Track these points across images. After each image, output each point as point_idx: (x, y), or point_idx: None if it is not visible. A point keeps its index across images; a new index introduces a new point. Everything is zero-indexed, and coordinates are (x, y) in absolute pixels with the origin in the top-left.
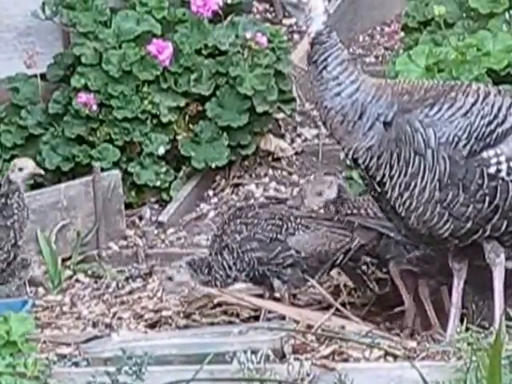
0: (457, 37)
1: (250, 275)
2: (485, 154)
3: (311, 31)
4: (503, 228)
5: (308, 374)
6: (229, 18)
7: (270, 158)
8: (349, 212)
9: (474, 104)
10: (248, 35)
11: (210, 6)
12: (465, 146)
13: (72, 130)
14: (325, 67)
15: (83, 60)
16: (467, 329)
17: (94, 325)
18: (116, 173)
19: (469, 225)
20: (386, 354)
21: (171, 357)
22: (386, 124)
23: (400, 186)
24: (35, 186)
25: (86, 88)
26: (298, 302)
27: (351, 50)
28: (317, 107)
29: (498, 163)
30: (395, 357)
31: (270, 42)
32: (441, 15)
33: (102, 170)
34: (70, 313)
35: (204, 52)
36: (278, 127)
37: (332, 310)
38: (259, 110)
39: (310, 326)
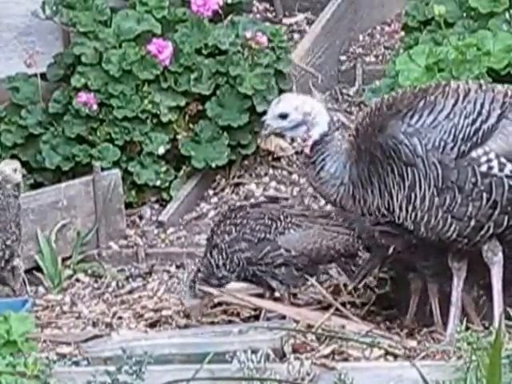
0: (457, 36)
1: (241, 276)
2: (474, 154)
3: (314, 134)
4: (505, 223)
5: (308, 374)
6: (229, 18)
7: (270, 158)
8: None
9: (454, 104)
10: (248, 35)
11: (210, 6)
12: (452, 148)
13: (72, 130)
14: (322, 167)
15: (83, 59)
16: (467, 328)
17: (94, 324)
18: (116, 172)
19: (472, 223)
20: (386, 353)
21: (171, 356)
22: (370, 162)
23: (402, 202)
24: (35, 185)
25: (86, 87)
26: (297, 301)
27: (351, 49)
28: (313, 186)
29: (489, 161)
30: (395, 356)
31: (270, 41)
32: (441, 15)
33: (102, 169)
34: (70, 312)
35: (204, 51)
36: None
37: (332, 309)
38: (259, 109)
39: (309, 326)
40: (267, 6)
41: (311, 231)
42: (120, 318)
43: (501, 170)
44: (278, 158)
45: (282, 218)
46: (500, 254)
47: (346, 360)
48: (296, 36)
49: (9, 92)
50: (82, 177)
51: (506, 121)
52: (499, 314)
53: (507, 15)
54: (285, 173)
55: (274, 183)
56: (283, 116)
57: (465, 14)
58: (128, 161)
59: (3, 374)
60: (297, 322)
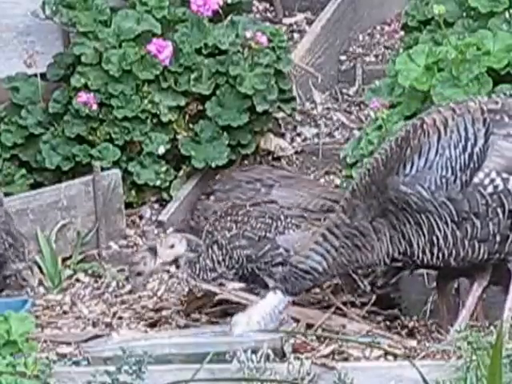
0: (457, 36)
1: (239, 273)
2: (476, 180)
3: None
4: None
5: (308, 373)
6: (229, 18)
7: (270, 158)
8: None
9: (439, 139)
10: (248, 34)
11: (210, 6)
12: (455, 181)
13: (72, 130)
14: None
15: (83, 59)
16: (467, 327)
17: (94, 324)
18: (116, 172)
19: (498, 239)
20: (386, 353)
21: (171, 356)
22: (379, 216)
23: (426, 247)
24: (35, 185)
25: (86, 87)
26: (297, 301)
27: (351, 49)
28: None
29: (492, 181)
30: (395, 356)
31: (270, 41)
32: (441, 14)
33: (102, 169)
34: (70, 312)
35: (204, 51)
36: (278, 126)
37: (332, 309)
38: (259, 109)
39: (310, 325)
40: (267, 5)
41: (310, 232)
42: (120, 318)
43: (505, 184)
44: (278, 158)
45: (282, 217)
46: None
47: (346, 360)
48: (296, 36)
49: (9, 92)
50: (82, 177)
51: (493, 137)
52: (507, 317)
53: (507, 15)
54: None
55: None
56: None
57: (465, 14)
58: (128, 161)
59: (3, 373)
60: (297, 321)
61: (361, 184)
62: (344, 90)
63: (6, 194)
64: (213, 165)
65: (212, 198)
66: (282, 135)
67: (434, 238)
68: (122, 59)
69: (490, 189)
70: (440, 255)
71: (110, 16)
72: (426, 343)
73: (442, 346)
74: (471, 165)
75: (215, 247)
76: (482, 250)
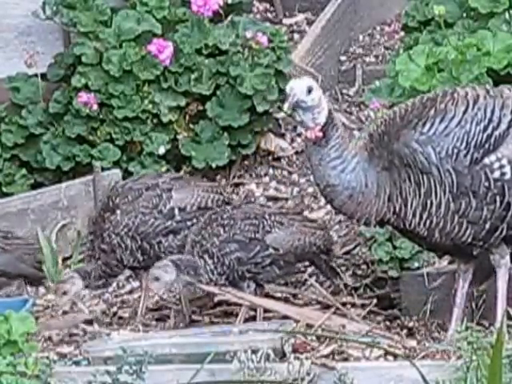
0: (457, 36)
1: (230, 278)
2: (487, 161)
3: (321, 119)
4: None
5: (308, 373)
6: (229, 18)
7: (270, 158)
8: None
9: (465, 111)
10: (248, 35)
11: (210, 6)
12: (465, 155)
13: (72, 130)
14: (330, 148)
15: (84, 59)
16: (467, 328)
17: (95, 324)
18: (116, 172)
19: (487, 226)
20: (386, 353)
21: (171, 356)
22: (385, 169)
23: (417, 208)
24: (35, 185)
25: (86, 87)
26: (298, 301)
27: (351, 49)
28: (320, 188)
29: (501, 167)
30: (395, 356)
31: (270, 41)
32: (441, 15)
33: (103, 169)
34: (70, 312)
35: (204, 51)
36: (278, 127)
37: (332, 309)
38: (259, 109)
39: (310, 326)
40: (267, 6)
41: (293, 228)
42: (120, 317)
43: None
44: (278, 158)
45: (266, 216)
46: (507, 258)
47: (346, 360)
48: (296, 36)
49: (9, 92)
50: (82, 177)
51: None
52: (502, 315)
53: (507, 15)
54: (285, 173)
55: (274, 183)
56: (309, 90)
57: (465, 14)
58: (128, 161)
59: (4, 373)
60: (297, 322)
61: (376, 132)
62: (344, 91)
63: (7, 194)
64: (213, 165)
65: (118, 212)
66: (282, 135)
67: (428, 202)
68: (122, 59)
69: (496, 174)
70: (428, 222)
71: (110, 16)
72: (426, 343)
73: (442, 346)
74: (486, 145)
75: (206, 257)
76: (467, 232)
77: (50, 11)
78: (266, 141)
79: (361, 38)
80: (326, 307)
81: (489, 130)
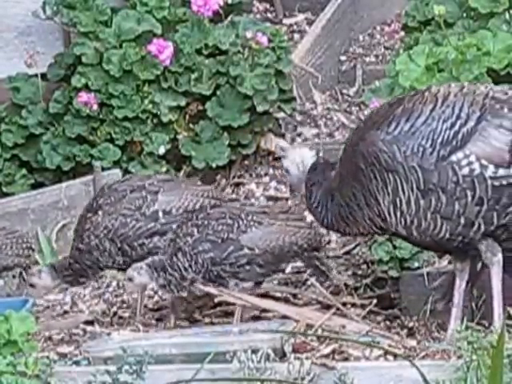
0: (457, 36)
1: (207, 277)
2: (454, 158)
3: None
4: (495, 220)
5: (308, 373)
6: (229, 18)
7: (270, 158)
8: None
9: (433, 109)
10: (248, 35)
11: (210, 6)
12: (431, 153)
13: (73, 130)
14: (310, 196)
15: (84, 60)
16: (467, 327)
17: (95, 324)
18: (116, 172)
19: (462, 221)
20: (386, 353)
21: (172, 356)
22: (353, 175)
23: (390, 207)
24: (36, 185)
25: (86, 87)
26: (298, 301)
27: (351, 49)
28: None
29: (470, 163)
30: (395, 356)
31: (270, 41)
32: (441, 15)
33: (103, 169)
34: (70, 312)
35: (204, 51)
36: (278, 126)
37: (332, 309)
38: (259, 109)
39: (310, 326)
40: (267, 6)
41: (273, 228)
42: (120, 317)
43: (482, 171)
44: (278, 158)
45: (243, 216)
46: (499, 255)
47: (346, 360)
48: (296, 36)
49: (9, 92)
50: (82, 177)
51: (485, 123)
52: (499, 314)
53: (507, 15)
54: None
55: (273, 183)
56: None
57: (465, 14)
58: (128, 161)
59: (4, 373)
60: (297, 322)
61: (345, 146)
62: (344, 91)
63: (7, 194)
64: (213, 165)
65: (100, 213)
66: (283, 135)
67: (398, 200)
68: (122, 59)
69: (465, 170)
70: (403, 220)
71: (110, 16)
72: (426, 343)
73: (442, 346)
74: (453, 143)
75: (179, 255)
76: (443, 228)
77: (50, 11)
78: (266, 141)
79: (361, 37)
80: (327, 307)
81: (456, 127)
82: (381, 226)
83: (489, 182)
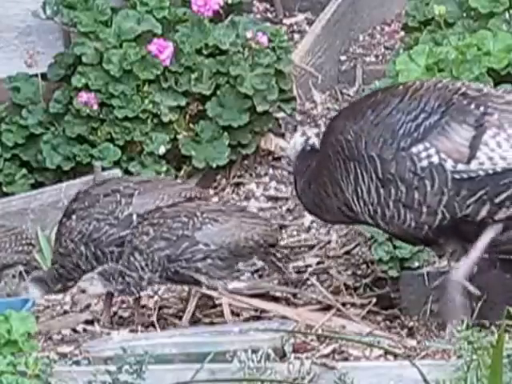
0: (457, 36)
1: (164, 275)
2: (414, 150)
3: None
4: (458, 211)
5: (308, 373)
6: (229, 18)
7: (270, 158)
8: None
9: (400, 102)
10: (248, 35)
11: (210, 6)
12: (391, 144)
13: (73, 130)
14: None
15: (84, 59)
16: (467, 327)
17: (95, 324)
18: (117, 172)
19: (424, 209)
20: (386, 352)
21: (172, 356)
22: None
23: (353, 196)
24: (36, 185)
25: (86, 87)
26: (297, 301)
27: (351, 49)
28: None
29: (429, 156)
30: (395, 355)
31: (270, 41)
32: (441, 15)
33: (103, 169)
34: (70, 312)
35: (204, 51)
36: (278, 126)
37: (333, 310)
38: (260, 109)
39: (310, 326)
40: (267, 6)
41: (228, 225)
42: (121, 317)
43: (442, 164)
44: (278, 158)
45: (198, 214)
46: (501, 225)
47: (346, 359)
48: (296, 36)
49: (9, 92)
50: (82, 177)
51: (449, 117)
52: (469, 264)
53: (507, 15)
54: (285, 173)
55: (273, 183)
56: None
57: (465, 14)
58: (129, 161)
59: (4, 373)
60: (297, 322)
61: (323, 134)
62: (344, 90)
63: (7, 194)
64: (213, 165)
65: (74, 217)
66: (283, 135)
67: (359, 189)
68: (122, 59)
69: (424, 163)
70: (366, 210)
71: (110, 16)
72: (426, 343)
73: (442, 346)
74: (414, 135)
75: (136, 254)
76: (408, 217)
77: (51, 11)
78: (266, 141)
79: (361, 37)
80: (326, 307)
81: (419, 120)
82: (349, 215)
83: (449, 174)
